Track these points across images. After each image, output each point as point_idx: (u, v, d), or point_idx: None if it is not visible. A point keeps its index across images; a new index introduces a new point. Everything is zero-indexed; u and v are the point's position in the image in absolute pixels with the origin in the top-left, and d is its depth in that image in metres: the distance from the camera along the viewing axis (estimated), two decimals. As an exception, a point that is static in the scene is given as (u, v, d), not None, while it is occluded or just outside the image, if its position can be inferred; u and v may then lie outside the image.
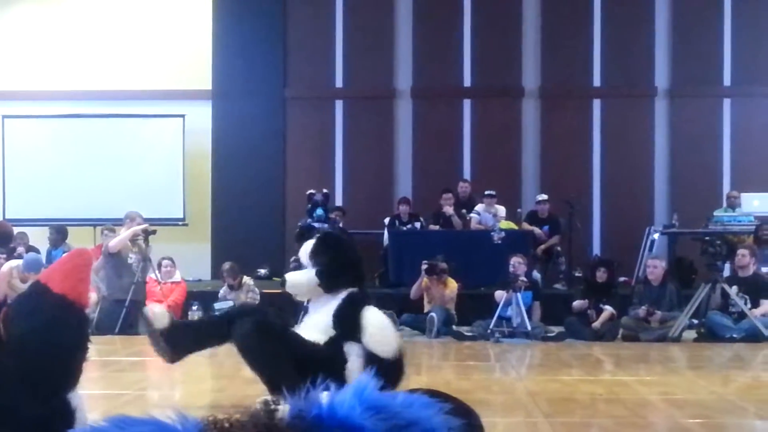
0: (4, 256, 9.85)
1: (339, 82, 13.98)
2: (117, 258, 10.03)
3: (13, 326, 2.98)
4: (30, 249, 10.83)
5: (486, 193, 12.07)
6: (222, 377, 6.25)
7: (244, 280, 10.47)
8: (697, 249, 10.56)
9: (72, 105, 13.76)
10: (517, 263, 9.60)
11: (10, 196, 13.52)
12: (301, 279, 4.93)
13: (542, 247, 12.06)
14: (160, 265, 10.56)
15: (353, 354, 4.57)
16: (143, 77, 13.91)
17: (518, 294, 9.27)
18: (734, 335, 9.02)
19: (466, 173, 13.57)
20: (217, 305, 10.10)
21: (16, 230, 11.47)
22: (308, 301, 5.08)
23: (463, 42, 13.81)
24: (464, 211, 12.16)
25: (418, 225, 12.16)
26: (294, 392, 1.27)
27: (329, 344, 4.61)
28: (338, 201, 13.32)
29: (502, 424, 4.61)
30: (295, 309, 5.24)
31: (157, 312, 4.82)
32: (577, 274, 11.68)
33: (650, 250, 11.47)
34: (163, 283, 10.37)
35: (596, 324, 9.47)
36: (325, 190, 12.04)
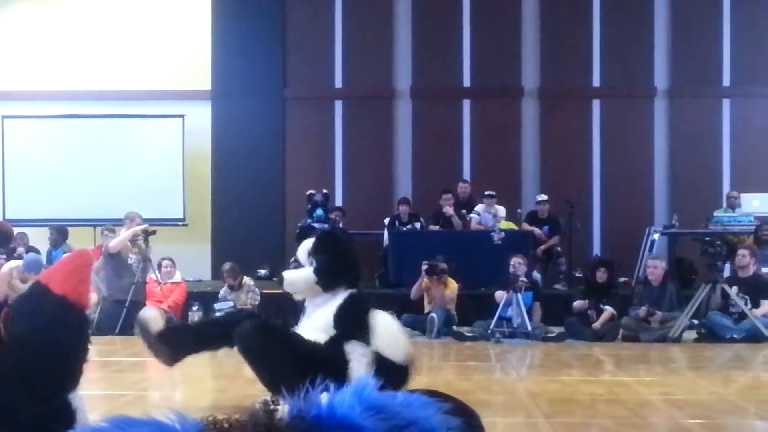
0: (4, 256, 9.85)
1: (338, 82, 13.98)
2: (117, 258, 10.03)
3: (13, 327, 2.98)
4: (30, 249, 10.83)
5: (486, 193, 12.07)
6: (223, 377, 6.25)
7: (244, 281, 10.47)
8: (697, 249, 10.55)
9: (72, 105, 13.76)
10: (517, 263, 9.60)
11: (9, 196, 13.52)
12: (298, 276, 4.92)
13: (542, 247, 12.06)
14: (160, 266, 10.55)
15: (355, 354, 4.57)
16: (143, 77, 13.91)
17: (518, 294, 9.27)
18: (734, 335, 9.02)
19: (466, 173, 13.57)
20: (217, 305, 10.11)
21: (16, 231, 11.47)
22: (305, 301, 5.08)
23: (463, 42, 13.81)
24: (464, 211, 12.16)
25: (418, 225, 12.16)
26: (294, 392, 1.27)
27: (330, 344, 4.61)
28: (338, 201, 13.32)
29: (503, 425, 4.61)
30: (296, 309, 5.23)
31: (151, 315, 4.80)
32: (577, 275, 11.69)
33: (650, 250, 11.47)
34: (163, 284, 10.37)
35: (596, 324, 9.47)
36: (324, 191, 12.04)
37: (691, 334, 9.31)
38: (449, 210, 12.04)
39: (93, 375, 5.75)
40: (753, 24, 13.65)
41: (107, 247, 10.04)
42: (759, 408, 5.32)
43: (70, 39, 14.08)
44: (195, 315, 10.36)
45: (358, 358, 4.55)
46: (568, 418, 4.95)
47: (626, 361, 7.87)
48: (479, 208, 12.07)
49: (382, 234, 12.24)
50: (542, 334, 9.31)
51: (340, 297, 4.81)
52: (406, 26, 13.90)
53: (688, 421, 4.82)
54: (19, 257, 9.85)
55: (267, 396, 4.13)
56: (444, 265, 9.95)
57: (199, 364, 6.25)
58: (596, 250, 13.26)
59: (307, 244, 4.97)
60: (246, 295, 10.38)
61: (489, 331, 9.18)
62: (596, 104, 13.82)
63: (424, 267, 9.96)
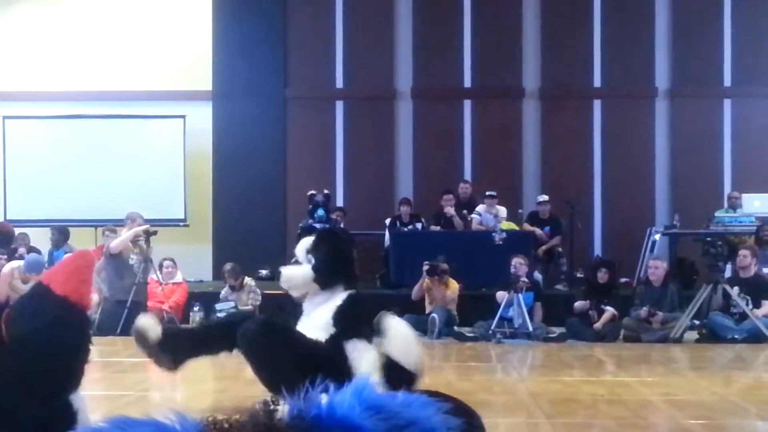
0: (6, 257, 9.86)
1: (339, 83, 13.98)
2: (118, 259, 10.04)
3: (14, 327, 2.98)
4: (31, 250, 10.84)
5: (487, 193, 12.07)
6: (224, 378, 6.25)
7: (245, 281, 10.48)
8: (698, 250, 10.55)
9: (73, 106, 13.77)
10: (518, 264, 9.60)
11: (11, 196, 13.52)
12: (296, 273, 4.93)
13: (543, 247, 12.05)
14: (161, 266, 10.56)
15: (355, 352, 4.56)
16: (144, 78, 13.91)
17: (519, 295, 9.27)
18: (736, 336, 9.02)
19: (467, 174, 13.56)
20: (218, 306, 10.11)
21: (17, 231, 11.48)
22: (303, 302, 5.08)
23: (464, 42, 13.81)
24: (465, 211, 12.15)
25: (419, 226, 12.16)
26: (294, 392, 1.27)
27: (330, 342, 4.61)
28: (339, 202, 13.32)
29: (504, 425, 4.61)
30: (296, 310, 5.23)
31: (148, 323, 4.78)
32: (578, 275, 11.69)
33: (651, 250, 11.47)
34: (164, 284, 10.37)
35: (598, 325, 9.47)
36: (326, 191, 12.03)
37: (693, 335, 9.31)
38: (450, 210, 12.03)
39: (94, 375, 5.75)
40: (754, 24, 13.65)
41: (108, 248, 10.04)
42: (760, 408, 5.32)
43: (71, 39, 14.08)
44: (196, 315, 10.36)
45: (358, 356, 4.55)
46: (569, 418, 4.95)
47: (627, 361, 7.86)
48: (480, 208, 12.07)
49: (383, 234, 12.24)
50: (543, 334, 9.31)
51: (339, 297, 4.80)
52: (407, 26, 13.90)
53: (689, 422, 4.82)
54: (21, 258, 9.85)
55: (267, 396, 4.13)
56: (445, 266, 9.95)
57: (200, 365, 6.24)
58: (597, 250, 13.26)
59: (306, 242, 4.98)
60: (247, 295, 10.38)
61: (490, 332, 9.18)
62: (597, 104, 13.82)
63: (425, 267, 9.96)
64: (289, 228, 13.08)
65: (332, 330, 4.66)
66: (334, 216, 11.94)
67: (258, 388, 4.69)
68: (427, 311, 9.84)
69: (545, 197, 12.44)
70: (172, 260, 10.74)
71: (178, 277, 10.74)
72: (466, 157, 13.77)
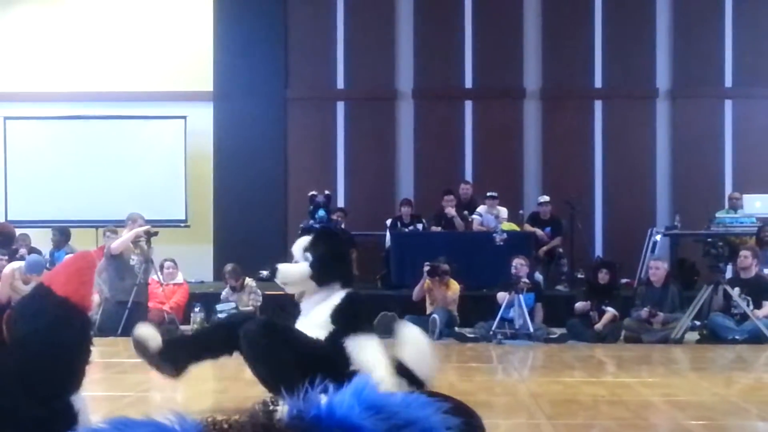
0: (6, 257, 9.86)
1: (340, 83, 13.99)
2: (119, 260, 10.04)
3: (16, 328, 2.99)
4: (32, 250, 10.85)
5: (488, 194, 12.07)
6: (224, 379, 6.26)
7: (246, 282, 10.48)
8: (699, 250, 10.56)
9: (74, 106, 13.78)
10: (519, 265, 9.59)
11: (12, 197, 13.53)
12: (293, 269, 4.94)
13: (544, 248, 12.05)
14: (162, 267, 10.56)
15: (358, 346, 4.56)
16: (144, 79, 13.92)
17: (520, 295, 9.27)
18: (737, 337, 9.02)
19: (468, 174, 13.56)
20: (219, 307, 10.11)
21: (18, 232, 11.49)
22: (300, 302, 5.09)
23: (465, 43, 13.81)
24: (466, 212, 12.15)
25: (420, 226, 12.16)
26: (294, 392, 1.27)
27: (330, 340, 4.62)
28: (340, 202, 13.33)
29: (505, 426, 4.62)
30: (296, 310, 5.24)
31: (147, 333, 4.76)
32: (579, 276, 11.68)
33: (652, 251, 11.47)
34: (165, 285, 10.37)
35: (598, 326, 9.47)
36: (326, 192, 12.03)
37: (693, 336, 9.31)
38: (451, 211, 12.04)
39: (95, 376, 5.75)
40: (755, 24, 13.64)
41: (109, 249, 10.04)
42: (761, 409, 5.32)
43: (72, 40, 14.09)
44: (197, 316, 10.35)
45: (359, 349, 4.54)
46: (570, 419, 4.95)
47: (628, 362, 7.86)
48: (481, 209, 12.07)
49: (384, 235, 12.24)
50: (544, 335, 9.31)
51: (337, 295, 4.81)
52: (408, 27, 13.91)
53: (690, 423, 4.82)
54: (21, 258, 9.86)
55: (267, 397, 4.13)
56: (446, 267, 9.95)
57: (200, 365, 6.25)
58: (598, 251, 13.26)
59: (303, 240, 5.01)
60: (248, 296, 10.38)
61: (491, 333, 9.17)
62: (598, 105, 13.82)
63: (426, 268, 9.96)
64: (290, 229, 13.07)
65: (331, 328, 4.67)
66: (334, 216, 11.94)
67: (258, 388, 4.69)
68: (427, 312, 9.84)
69: (546, 198, 12.44)
70: (173, 261, 10.74)
71: (179, 278, 10.74)
72: (467, 157, 13.77)
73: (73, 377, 3.06)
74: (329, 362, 4.36)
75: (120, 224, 10.68)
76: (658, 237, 11.78)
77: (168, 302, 10.24)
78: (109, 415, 1.35)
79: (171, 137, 13.56)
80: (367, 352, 4.51)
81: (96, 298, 9.08)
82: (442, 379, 6.34)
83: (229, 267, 10.56)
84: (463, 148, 13.78)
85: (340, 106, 14.00)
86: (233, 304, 10.10)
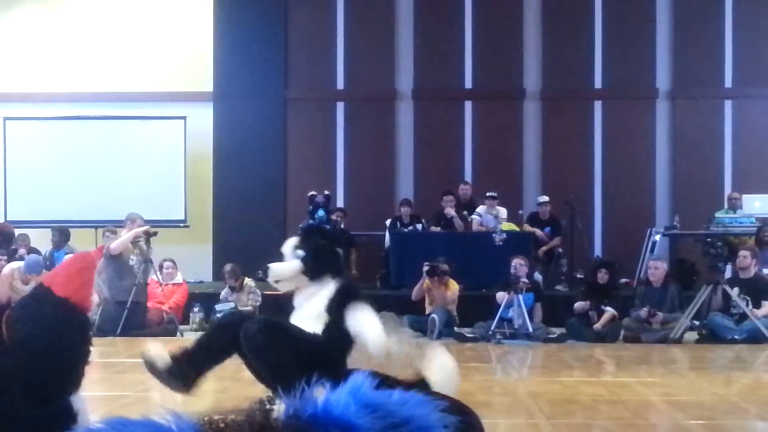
0: (5, 258, 9.87)
1: (340, 84, 13.99)
2: (118, 260, 10.04)
3: (16, 329, 2.99)
4: (31, 250, 10.85)
5: (487, 194, 12.07)
6: (224, 378, 6.25)
7: (245, 282, 10.49)
8: (698, 250, 10.56)
9: (73, 107, 13.78)
10: (518, 265, 9.60)
11: (11, 197, 13.53)
12: (285, 266, 4.97)
13: (543, 248, 12.06)
14: (161, 267, 10.57)
15: (356, 317, 4.56)
16: (144, 79, 13.92)
17: (520, 295, 9.27)
18: (736, 336, 9.03)
19: (467, 175, 13.56)
20: (218, 307, 10.12)
21: (17, 232, 11.49)
22: (294, 300, 5.10)
23: (465, 44, 13.81)
24: (465, 212, 12.16)
25: (419, 227, 12.16)
26: (291, 391, 1.28)
27: (326, 331, 4.63)
28: (339, 202, 13.32)
29: (504, 426, 4.62)
30: (291, 307, 5.25)
31: (156, 352, 4.77)
32: (578, 276, 11.68)
33: (651, 251, 11.47)
34: (164, 285, 10.38)
35: (597, 325, 9.48)
36: (326, 192, 12.02)
37: (693, 335, 9.31)
38: (450, 211, 12.04)
39: (94, 376, 5.76)
40: (755, 25, 13.65)
41: (108, 249, 10.04)
42: (760, 409, 5.32)
43: (72, 41, 14.09)
44: (196, 316, 10.38)
45: (360, 319, 4.54)
46: (569, 419, 4.96)
47: (627, 362, 7.87)
48: (481, 209, 12.07)
49: (384, 235, 12.24)
50: (543, 335, 9.32)
51: (329, 287, 4.82)
52: (408, 28, 13.91)
53: (689, 422, 4.82)
54: (21, 258, 9.86)
55: (264, 396, 4.14)
56: (445, 267, 9.96)
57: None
58: (597, 251, 13.26)
59: (293, 240, 5.04)
60: (247, 296, 10.39)
61: (490, 333, 9.18)
62: (598, 106, 13.82)
63: (426, 268, 9.97)
64: (290, 229, 13.06)
65: (326, 318, 4.68)
66: (334, 217, 11.94)
67: (258, 388, 4.69)
68: (427, 312, 9.85)
69: (545, 198, 12.44)
70: (173, 261, 10.75)
71: (178, 278, 10.75)
72: (466, 158, 13.77)
73: (73, 377, 3.06)
74: (328, 358, 4.38)
75: (119, 224, 10.68)
76: (658, 237, 11.79)
77: (167, 302, 10.25)
78: (109, 415, 1.36)
79: (171, 138, 13.56)
80: (360, 316, 4.53)
81: (95, 298, 9.09)
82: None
83: (228, 267, 10.57)
84: (463, 148, 13.78)
85: (340, 107, 14.01)
86: (232, 304, 10.11)
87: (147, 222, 10.56)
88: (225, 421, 1.19)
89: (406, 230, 12.10)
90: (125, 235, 10.14)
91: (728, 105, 13.73)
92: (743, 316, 9.18)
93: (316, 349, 4.51)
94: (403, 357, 4.62)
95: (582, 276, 11.41)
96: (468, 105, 13.91)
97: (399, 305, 9.96)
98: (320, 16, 13.96)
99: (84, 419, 2.97)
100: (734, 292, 9.29)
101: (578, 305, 9.70)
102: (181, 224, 13.26)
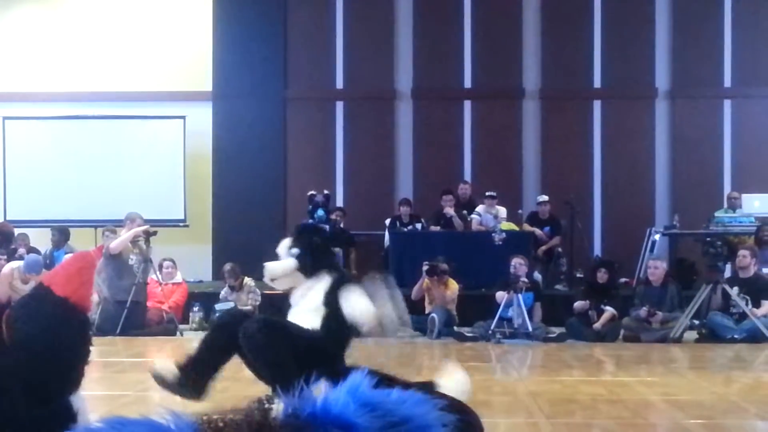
0: (5, 257, 9.86)
1: (339, 83, 13.99)
2: (118, 259, 10.04)
3: (15, 328, 2.99)
4: (31, 250, 10.84)
5: (487, 194, 12.08)
6: (224, 379, 6.24)
7: (245, 281, 10.49)
8: (698, 250, 10.56)
9: (73, 106, 13.78)
10: (518, 264, 9.60)
11: (11, 197, 13.53)
12: (279, 264, 4.98)
13: (543, 248, 12.06)
14: (161, 266, 10.57)
15: (350, 299, 4.57)
16: (144, 79, 13.92)
17: (519, 295, 9.28)
18: (735, 336, 9.03)
19: (467, 174, 13.57)
20: (218, 306, 10.12)
21: (17, 231, 11.49)
22: (291, 298, 5.11)
23: (464, 43, 13.81)
24: (465, 212, 12.16)
25: (419, 226, 12.17)
26: (290, 390, 1.28)
27: (325, 325, 4.63)
28: (339, 202, 13.32)
29: (504, 425, 4.62)
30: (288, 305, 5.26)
31: (163, 366, 4.77)
32: (578, 275, 11.69)
33: (651, 251, 11.47)
34: (164, 285, 10.38)
35: (597, 325, 9.48)
36: (326, 191, 12.02)
37: (692, 335, 9.32)
38: (450, 211, 12.04)
39: (94, 375, 5.75)
40: (754, 24, 13.65)
41: (108, 248, 10.04)
42: (760, 408, 5.32)
43: (72, 40, 14.09)
44: (196, 316, 10.38)
45: (353, 300, 4.55)
46: (568, 418, 4.96)
47: (627, 361, 7.87)
48: (480, 208, 12.07)
49: (383, 235, 12.25)
50: (543, 334, 9.32)
51: (325, 280, 4.83)
52: (408, 27, 13.91)
53: (689, 422, 4.82)
54: (20, 258, 9.85)
55: (263, 395, 4.14)
56: (445, 266, 9.96)
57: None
58: (597, 250, 13.26)
59: (287, 240, 5.06)
60: (247, 295, 10.39)
61: (490, 332, 9.18)
62: (597, 105, 13.82)
63: (425, 267, 9.97)
64: (289, 228, 13.04)
65: (324, 311, 4.69)
66: (334, 216, 11.93)
67: (258, 388, 4.69)
68: (426, 311, 9.85)
69: (545, 197, 12.44)
70: (172, 260, 10.75)
71: (178, 278, 10.75)
72: (466, 157, 13.77)
73: (73, 377, 3.06)
74: (327, 354, 4.40)
75: (119, 224, 10.68)
76: (657, 236, 11.79)
77: (167, 302, 10.25)
78: (108, 414, 1.36)
79: (170, 137, 13.56)
80: (348, 298, 4.55)
81: (95, 297, 9.09)
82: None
83: (227, 266, 10.57)
84: (462, 147, 13.78)
85: (340, 106, 14.01)
86: (232, 304, 10.11)
87: (146, 221, 10.56)
88: (224, 420, 1.20)
89: (405, 230, 12.10)
90: (125, 235, 10.15)
91: (727, 105, 13.73)
92: (743, 316, 9.18)
93: (315, 346, 4.52)
94: (397, 321, 4.65)
95: (581, 275, 11.41)
96: (467, 104, 13.91)
97: (398, 305, 9.96)
98: (320, 16, 13.96)
99: (84, 419, 2.97)
100: (734, 291, 9.29)
101: (578, 305, 9.70)
102: (181, 224, 13.26)
